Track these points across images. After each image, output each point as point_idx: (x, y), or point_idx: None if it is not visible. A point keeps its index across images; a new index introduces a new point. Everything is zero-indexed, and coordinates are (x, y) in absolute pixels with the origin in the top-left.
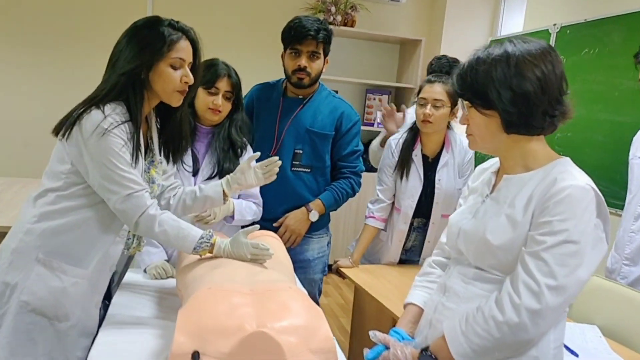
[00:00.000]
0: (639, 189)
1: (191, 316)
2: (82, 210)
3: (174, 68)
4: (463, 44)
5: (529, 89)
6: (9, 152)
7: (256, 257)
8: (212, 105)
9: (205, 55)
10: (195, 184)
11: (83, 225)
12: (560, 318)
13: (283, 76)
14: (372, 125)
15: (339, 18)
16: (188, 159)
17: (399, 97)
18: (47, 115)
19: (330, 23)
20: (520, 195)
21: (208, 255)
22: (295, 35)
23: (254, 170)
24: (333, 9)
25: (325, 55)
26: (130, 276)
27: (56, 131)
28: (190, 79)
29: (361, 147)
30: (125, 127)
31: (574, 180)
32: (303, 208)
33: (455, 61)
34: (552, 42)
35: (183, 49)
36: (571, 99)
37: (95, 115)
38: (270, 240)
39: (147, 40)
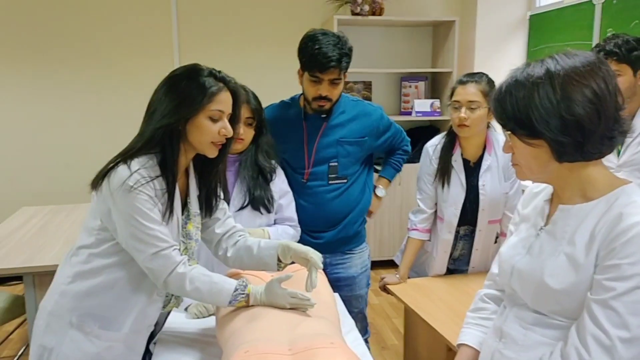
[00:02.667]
0: None
1: None
2: (114, 269)
3: (213, 120)
4: (500, 20)
5: (581, 113)
6: (51, 177)
7: (296, 306)
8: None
9: (227, 59)
10: None
11: (115, 286)
12: None
13: None
14: (410, 114)
15: (366, 8)
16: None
17: (435, 83)
18: (89, 140)
19: (358, 14)
20: (580, 231)
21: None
22: (316, 65)
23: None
24: None
25: (345, 73)
26: (170, 317)
27: (94, 186)
28: (229, 132)
29: (395, 127)
30: (154, 183)
31: None
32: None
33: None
34: (598, 14)
35: (223, 101)
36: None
37: (121, 171)
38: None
39: (186, 92)
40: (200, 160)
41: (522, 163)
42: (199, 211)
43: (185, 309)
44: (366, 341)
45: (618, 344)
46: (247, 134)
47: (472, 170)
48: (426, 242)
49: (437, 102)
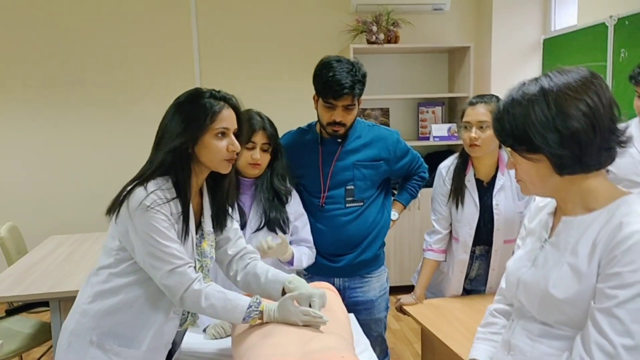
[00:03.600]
0: None
1: None
2: (132, 288)
3: (220, 138)
4: (515, 44)
5: (577, 126)
6: (78, 207)
7: (308, 323)
8: (252, 160)
9: (246, 88)
10: (245, 237)
11: (134, 305)
12: None
13: None
14: (428, 139)
15: (381, 36)
16: (234, 212)
17: (452, 108)
18: (115, 173)
19: (373, 42)
20: (582, 241)
21: (258, 322)
22: (330, 92)
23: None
24: (374, 28)
25: (359, 99)
26: (190, 338)
27: (109, 211)
28: (237, 147)
29: (412, 153)
30: (169, 205)
31: None
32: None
33: None
34: (610, 35)
35: (226, 118)
36: (624, 116)
37: (138, 192)
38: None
39: (190, 116)
40: (212, 179)
41: (525, 178)
42: (212, 230)
43: (204, 330)
44: None
45: (622, 351)
46: (263, 158)
47: (486, 190)
48: (442, 262)
49: (454, 127)
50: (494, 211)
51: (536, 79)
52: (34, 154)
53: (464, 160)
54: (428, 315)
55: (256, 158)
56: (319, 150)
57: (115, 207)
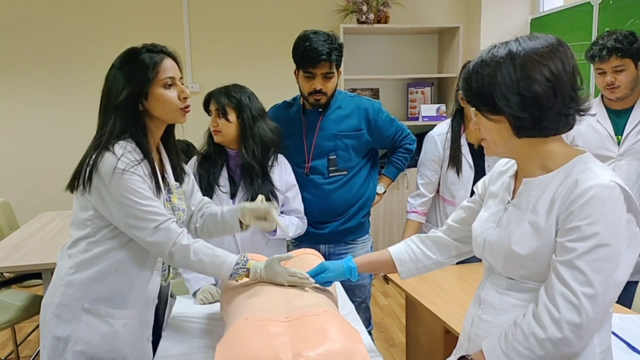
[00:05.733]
0: None
1: (229, 349)
2: (115, 252)
3: (168, 88)
4: (503, 25)
5: (539, 91)
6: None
7: (294, 284)
8: (212, 127)
9: (237, 68)
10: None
11: (120, 267)
12: (603, 321)
13: None
14: (417, 119)
15: (371, 16)
16: (224, 180)
17: (441, 88)
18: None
19: (364, 22)
20: (542, 200)
21: (245, 279)
22: (308, 60)
23: (278, 223)
24: (365, 7)
25: (339, 68)
26: (180, 303)
27: (71, 187)
28: (187, 93)
29: (397, 123)
30: (141, 165)
31: (597, 179)
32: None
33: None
34: (595, 15)
35: (169, 68)
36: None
37: (108, 158)
38: (311, 259)
39: (133, 72)
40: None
41: (487, 138)
42: (177, 183)
43: (193, 295)
44: (370, 333)
45: (584, 300)
46: (222, 126)
47: (477, 153)
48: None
49: (443, 107)
50: (486, 172)
51: (506, 43)
52: (26, 133)
53: (459, 125)
54: (411, 283)
55: (213, 124)
56: (302, 120)
57: (79, 179)
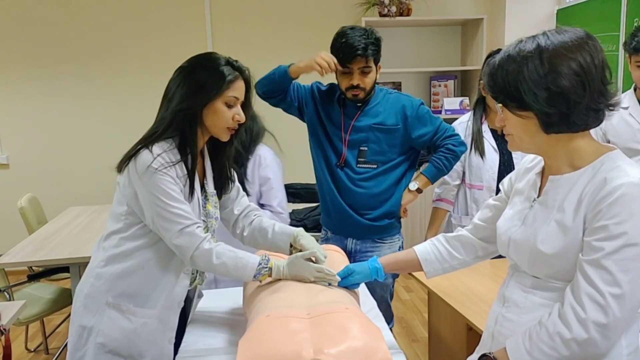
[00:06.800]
0: None
1: (251, 346)
2: (143, 251)
3: (228, 106)
4: (528, 16)
5: (567, 85)
6: (96, 179)
7: (321, 280)
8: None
9: (258, 60)
10: None
11: (146, 267)
12: (631, 322)
13: None
14: (440, 112)
15: (393, 9)
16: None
17: (465, 81)
18: (131, 140)
19: (385, 15)
20: (569, 198)
21: (268, 279)
22: (344, 56)
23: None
24: (387, 0)
25: (377, 63)
26: (204, 299)
27: (119, 167)
28: (242, 118)
29: (437, 121)
30: (175, 167)
31: (626, 177)
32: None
33: None
34: (624, 5)
35: (239, 88)
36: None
37: (144, 155)
38: (335, 256)
39: (206, 80)
40: (212, 144)
41: (513, 134)
42: (215, 191)
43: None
44: (390, 330)
45: (611, 301)
46: None
47: (501, 137)
48: (462, 217)
49: (466, 100)
50: (513, 156)
51: (534, 37)
52: (54, 127)
53: (480, 112)
54: (434, 279)
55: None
56: (341, 111)
57: (124, 162)
